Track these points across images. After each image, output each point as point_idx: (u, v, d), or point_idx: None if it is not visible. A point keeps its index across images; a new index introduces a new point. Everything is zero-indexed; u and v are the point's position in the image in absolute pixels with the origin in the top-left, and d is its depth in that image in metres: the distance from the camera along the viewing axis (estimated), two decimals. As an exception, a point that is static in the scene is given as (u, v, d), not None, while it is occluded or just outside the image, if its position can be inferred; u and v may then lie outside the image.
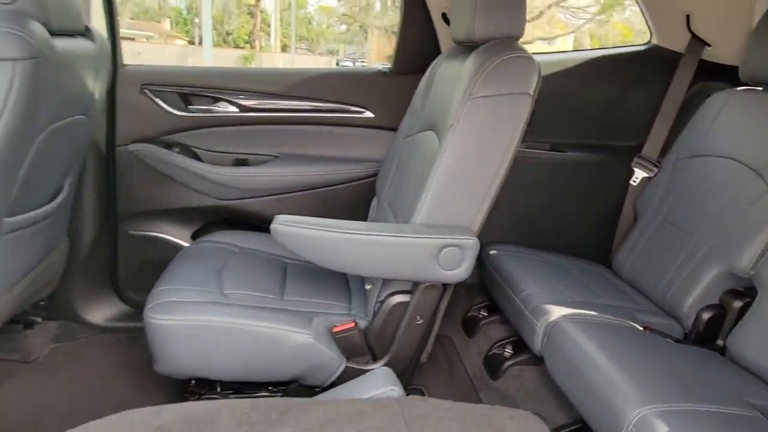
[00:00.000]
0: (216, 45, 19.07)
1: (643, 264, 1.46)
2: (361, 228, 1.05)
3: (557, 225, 1.73)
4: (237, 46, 20.00)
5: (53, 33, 1.04)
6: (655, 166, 1.57)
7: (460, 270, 1.05)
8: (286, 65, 18.33)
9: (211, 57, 12.80)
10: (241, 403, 0.73)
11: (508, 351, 1.46)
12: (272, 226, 1.04)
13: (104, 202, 1.58)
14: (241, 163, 1.63)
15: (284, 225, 1.03)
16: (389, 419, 0.71)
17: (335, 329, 1.10)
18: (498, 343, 1.48)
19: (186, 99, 1.58)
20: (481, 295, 1.65)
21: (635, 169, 1.61)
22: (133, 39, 19.17)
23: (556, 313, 1.19)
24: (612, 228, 1.65)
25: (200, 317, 1.08)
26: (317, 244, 1.04)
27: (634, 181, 1.61)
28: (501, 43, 1.11)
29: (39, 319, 1.52)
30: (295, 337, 1.08)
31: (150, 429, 0.66)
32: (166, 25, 20.12)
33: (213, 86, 1.60)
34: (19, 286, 1.21)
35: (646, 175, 1.58)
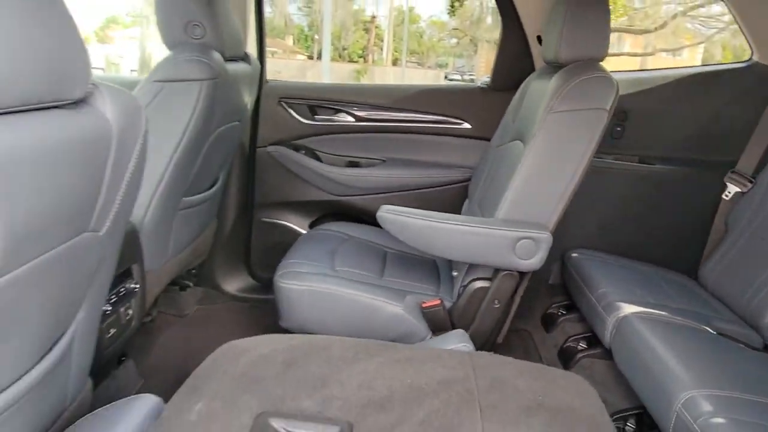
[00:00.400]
0: (333, 59, 20.27)
1: (729, 276, 1.49)
2: (450, 218, 1.26)
3: (644, 235, 1.78)
4: (351, 60, 21.09)
5: (225, 59, 1.37)
6: (750, 181, 1.58)
7: (534, 260, 1.21)
8: (396, 78, 18.96)
9: (328, 71, 13.68)
10: (350, 339, 0.96)
11: (582, 345, 1.56)
12: (378, 214, 1.28)
13: (244, 193, 1.94)
14: (354, 165, 1.91)
15: (388, 213, 1.27)
16: (459, 363, 0.90)
17: (424, 305, 1.31)
18: (573, 337, 1.59)
19: (313, 110, 1.90)
20: (562, 295, 1.76)
21: (728, 184, 1.63)
22: (260, 55, 20.99)
23: (626, 310, 1.29)
24: (699, 241, 1.68)
25: (316, 285, 1.34)
26: (413, 230, 1.26)
27: (727, 196, 1.63)
28: (584, 64, 1.25)
29: (191, 284, 1.90)
30: (389, 308, 1.30)
31: (285, 345, 0.91)
32: (289, 41, 21.77)
33: (335, 99, 1.90)
34: (183, 254, 1.57)
35: (739, 190, 1.60)
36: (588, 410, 0.83)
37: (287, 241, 1.73)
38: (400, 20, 20.48)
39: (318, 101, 1.89)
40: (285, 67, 17.24)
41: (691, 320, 1.29)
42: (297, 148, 1.90)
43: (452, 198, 1.83)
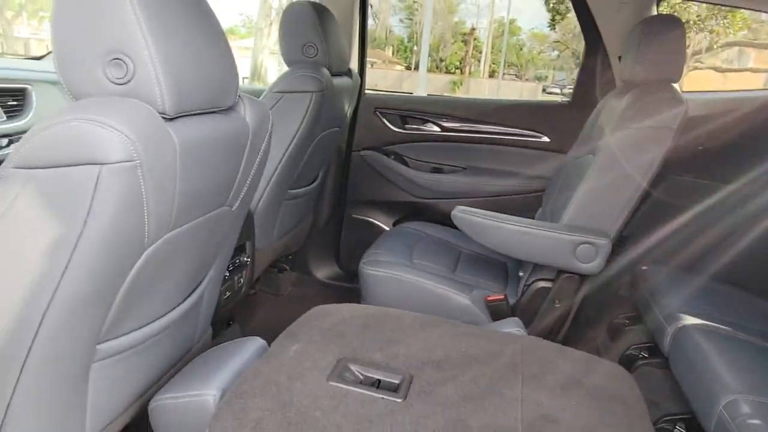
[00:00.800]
0: (429, 70, 20.63)
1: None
2: (517, 220, 1.39)
3: (724, 256, 1.77)
4: (448, 72, 21.32)
5: (332, 74, 1.61)
6: None
7: (593, 264, 1.31)
8: (491, 90, 18.85)
9: (424, 81, 13.99)
10: (419, 314, 1.13)
11: (644, 354, 1.60)
12: (452, 212, 1.44)
13: (339, 192, 2.18)
14: (437, 170, 2.09)
15: (461, 212, 1.43)
16: (509, 341, 1.04)
17: (488, 298, 1.45)
18: (635, 346, 1.64)
19: (403, 119, 2.11)
20: (630, 307, 1.80)
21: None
22: (360, 65, 21.88)
23: (687, 321, 1.34)
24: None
25: (395, 273, 1.53)
26: (482, 228, 1.41)
27: None
28: (656, 85, 1.34)
29: (287, 268, 2.18)
30: (457, 299, 1.46)
31: (364, 312, 1.11)
32: (389, 52, 22.49)
33: (423, 111, 2.09)
34: (284, 239, 1.83)
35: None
36: (622, 393, 0.93)
37: (373, 236, 1.94)
38: (500, 32, 20.36)
39: (409, 112, 2.09)
40: (383, 77, 17.84)
41: (754, 337, 1.31)
42: (387, 154, 2.11)
43: (527, 206, 1.94)
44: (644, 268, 1.71)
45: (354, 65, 2.05)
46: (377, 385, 0.88)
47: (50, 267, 0.67)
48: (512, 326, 1.17)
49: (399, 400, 0.83)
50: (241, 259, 1.49)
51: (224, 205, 0.98)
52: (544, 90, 17.31)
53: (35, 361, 0.71)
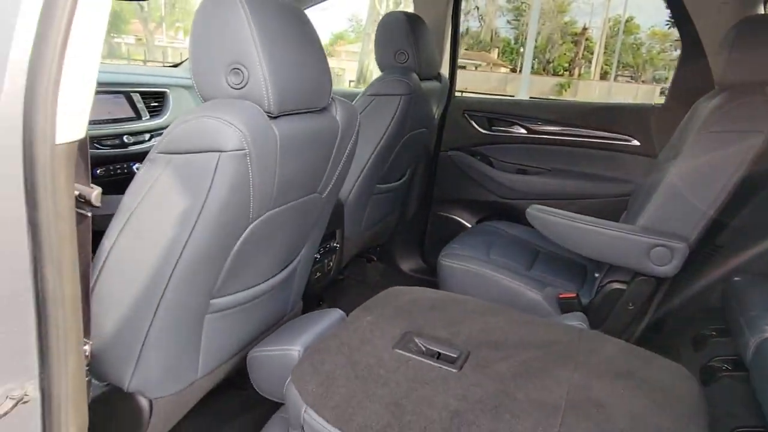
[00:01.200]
0: (535, 72, 20.03)
1: None
2: (591, 221, 1.41)
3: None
4: (555, 74, 20.54)
5: (421, 78, 1.74)
6: None
7: (668, 268, 1.30)
8: (601, 93, 17.85)
9: (527, 84, 13.65)
10: (484, 301, 1.22)
11: (727, 366, 1.53)
12: (527, 210, 1.50)
13: (426, 189, 2.30)
14: (521, 171, 2.13)
15: (535, 210, 1.49)
16: (568, 332, 1.09)
17: (560, 295, 1.49)
18: (718, 357, 1.56)
19: (491, 121, 2.18)
20: (718, 319, 1.72)
21: None
22: (464, 67, 21.85)
23: (772, 334, 1.28)
24: None
25: (470, 266, 1.62)
26: (555, 227, 1.46)
27: None
28: (748, 87, 1.29)
29: (375, 259, 2.34)
30: (529, 294, 1.51)
31: (433, 295, 1.22)
32: (495, 54, 22.18)
33: (510, 113, 2.15)
34: (372, 230, 1.98)
35: None
36: (679, 390, 0.95)
37: (456, 233, 2.03)
38: (614, 31, 19.20)
39: (496, 114, 2.16)
40: (486, 79, 17.65)
41: None
42: (473, 154, 2.19)
43: (611, 209, 1.92)
44: (737, 279, 1.63)
45: (445, 69, 2.16)
46: (437, 356, 0.99)
47: (179, 232, 0.86)
48: (576, 320, 1.21)
49: (454, 370, 0.93)
50: (331, 244, 1.67)
51: (315, 191, 1.14)
52: (661, 92, 16.08)
53: (165, 306, 0.92)
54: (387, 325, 1.07)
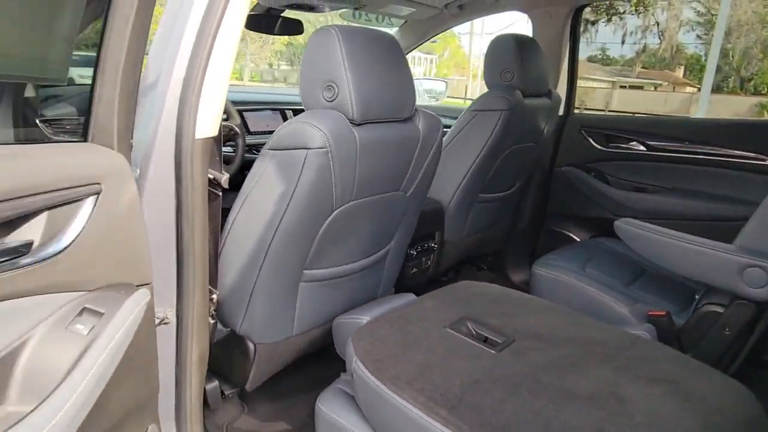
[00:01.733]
0: (731, 92, 17.59)
1: None
2: (683, 236, 1.36)
3: None
4: (757, 93, 17.75)
5: (527, 95, 1.83)
6: None
7: (763, 290, 1.20)
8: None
9: (705, 103, 12.12)
10: (547, 302, 1.28)
11: None
12: (615, 223, 1.50)
13: (539, 203, 2.34)
14: (639, 190, 2.05)
15: (624, 223, 1.48)
16: (621, 336, 1.11)
17: (650, 312, 1.45)
18: None
19: (608, 138, 2.14)
20: None
21: None
22: (641, 88, 20.09)
23: None
24: None
25: (561, 275, 1.65)
26: (645, 241, 1.43)
27: None
28: None
29: (485, 268, 2.43)
30: (617, 308, 1.50)
31: (495, 291, 1.31)
32: (680, 72, 20.02)
33: (630, 130, 2.09)
34: (474, 236, 2.09)
35: None
36: (728, 405, 0.92)
37: (563, 246, 2.05)
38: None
39: (613, 131, 2.12)
40: (663, 101, 16.04)
41: None
42: (588, 170, 2.18)
43: (735, 233, 1.76)
44: None
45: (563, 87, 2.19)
46: (484, 340, 1.10)
47: (276, 210, 1.12)
48: (641, 330, 1.20)
49: (492, 352, 1.04)
50: (429, 244, 1.84)
51: (398, 190, 1.34)
52: None
53: (266, 268, 1.19)
54: (447, 309, 1.21)
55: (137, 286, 0.91)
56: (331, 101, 1.13)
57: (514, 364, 0.99)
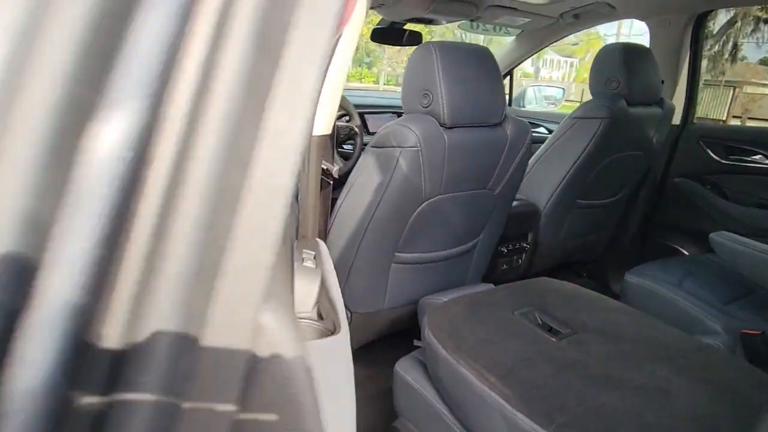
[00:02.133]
0: None
1: None
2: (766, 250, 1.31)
3: None
4: None
5: (633, 104, 1.83)
6: None
7: None
8: None
9: None
10: (621, 303, 1.33)
11: None
12: (711, 236, 1.46)
13: (647, 213, 2.28)
14: (763, 206, 1.92)
15: (720, 237, 1.44)
16: (692, 343, 1.13)
17: (743, 330, 1.41)
18: None
19: (729, 150, 2.03)
20: None
21: None
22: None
23: None
24: None
25: (653, 285, 1.65)
26: (738, 255, 1.39)
27: None
28: None
29: (585, 274, 2.43)
30: (707, 323, 1.47)
31: (571, 289, 1.39)
32: None
33: (754, 142, 1.96)
34: (571, 241, 2.12)
35: None
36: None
37: (660, 257, 2.00)
38: None
39: (735, 143, 2.00)
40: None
41: None
42: (704, 183, 2.08)
43: None
44: None
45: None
46: (548, 330, 1.20)
47: (373, 199, 1.33)
48: (712, 340, 1.20)
49: (553, 339, 1.14)
50: (521, 244, 1.93)
51: (485, 188, 1.47)
52: None
53: (363, 249, 1.40)
54: (519, 299, 1.32)
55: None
56: (427, 107, 1.31)
57: (567, 351, 1.09)
